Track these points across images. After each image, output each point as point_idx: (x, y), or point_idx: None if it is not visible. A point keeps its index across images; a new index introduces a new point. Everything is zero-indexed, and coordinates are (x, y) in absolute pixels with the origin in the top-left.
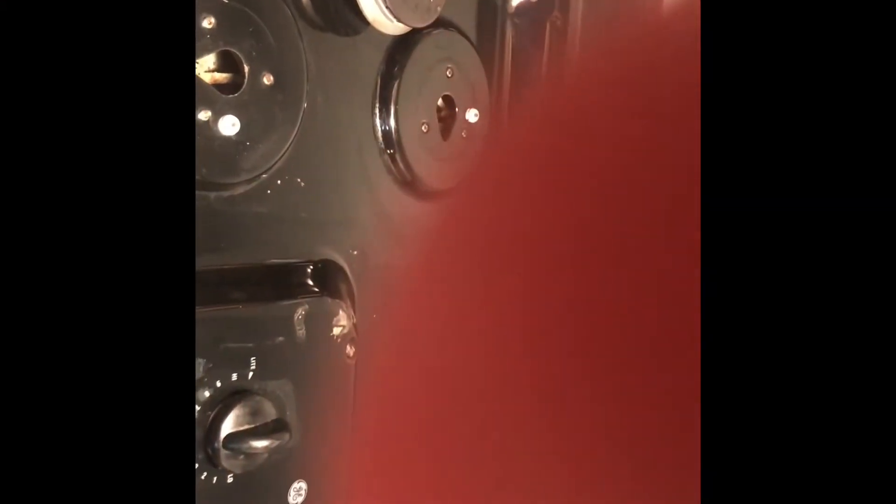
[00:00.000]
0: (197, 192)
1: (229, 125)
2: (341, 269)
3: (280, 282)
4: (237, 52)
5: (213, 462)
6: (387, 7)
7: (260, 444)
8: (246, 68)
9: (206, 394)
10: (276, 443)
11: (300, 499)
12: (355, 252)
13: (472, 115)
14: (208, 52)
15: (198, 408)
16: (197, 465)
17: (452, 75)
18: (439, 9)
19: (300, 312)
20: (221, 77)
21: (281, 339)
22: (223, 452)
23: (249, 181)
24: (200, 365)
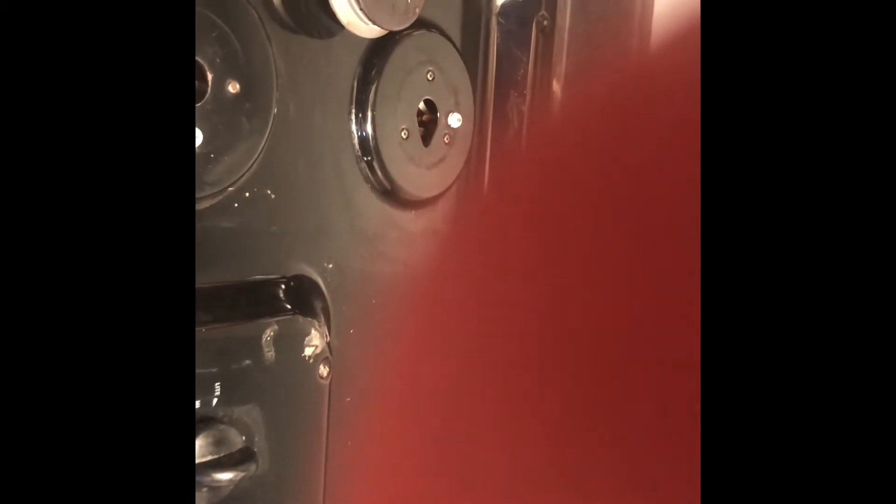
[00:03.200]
0: None
1: None
2: (315, 284)
3: (248, 300)
4: (200, 60)
5: None
6: (361, 9)
7: (224, 476)
8: (209, 76)
9: None
10: (242, 474)
11: None
12: (330, 266)
13: (454, 120)
14: None
15: None
16: None
17: (434, 78)
18: (418, 10)
19: (269, 333)
20: None
21: (248, 361)
22: None
23: (214, 195)
24: None
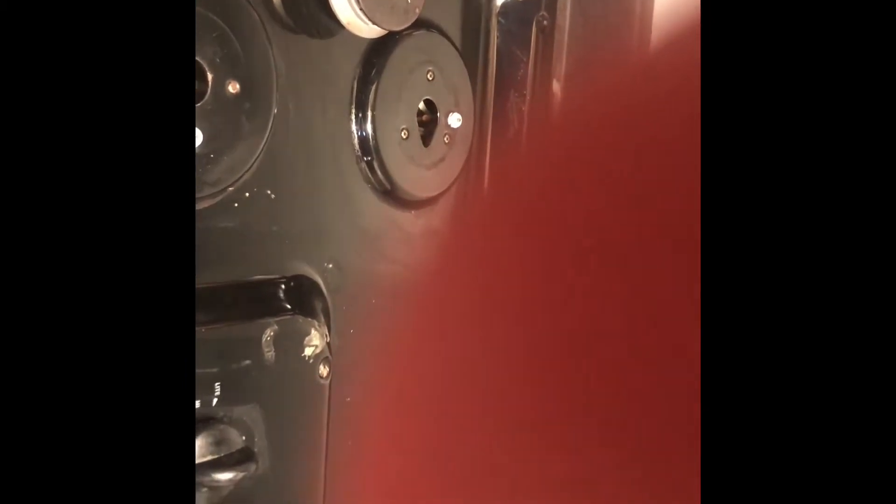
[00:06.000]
0: None
1: None
2: (315, 284)
3: (248, 300)
4: (199, 60)
5: None
6: (361, 9)
7: (224, 476)
8: (209, 76)
9: None
10: (242, 474)
11: None
12: (330, 266)
13: (454, 120)
14: None
15: None
16: None
17: (434, 78)
18: (418, 10)
19: (269, 333)
20: None
21: (248, 361)
22: None
23: (214, 195)
24: None
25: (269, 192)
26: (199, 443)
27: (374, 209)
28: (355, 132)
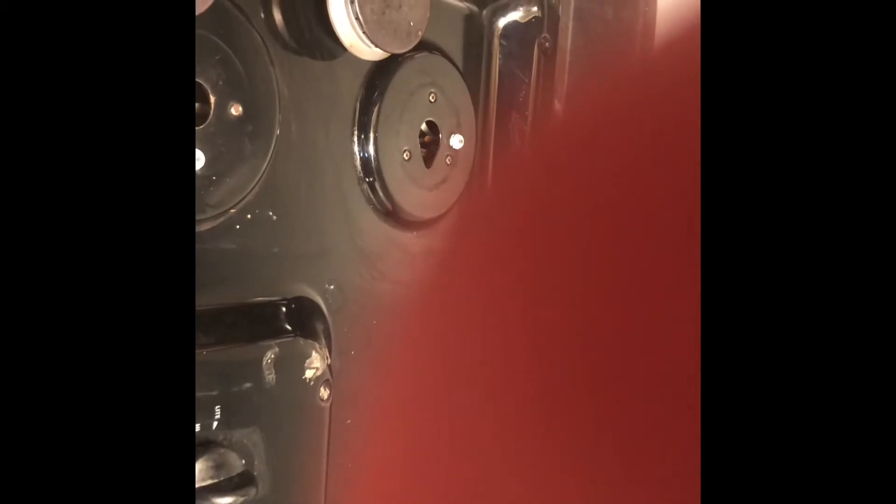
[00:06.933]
0: None
1: None
2: (316, 305)
3: (249, 322)
4: (202, 83)
5: None
6: (364, 32)
7: (224, 500)
8: (212, 99)
9: None
10: (242, 499)
11: None
12: (332, 287)
13: (456, 141)
14: None
15: None
16: None
17: (436, 100)
18: (420, 33)
19: (270, 355)
20: None
21: (248, 384)
22: None
23: (216, 217)
24: None
25: (270, 213)
26: (199, 467)
27: (376, 230)
28: (357, 153)
